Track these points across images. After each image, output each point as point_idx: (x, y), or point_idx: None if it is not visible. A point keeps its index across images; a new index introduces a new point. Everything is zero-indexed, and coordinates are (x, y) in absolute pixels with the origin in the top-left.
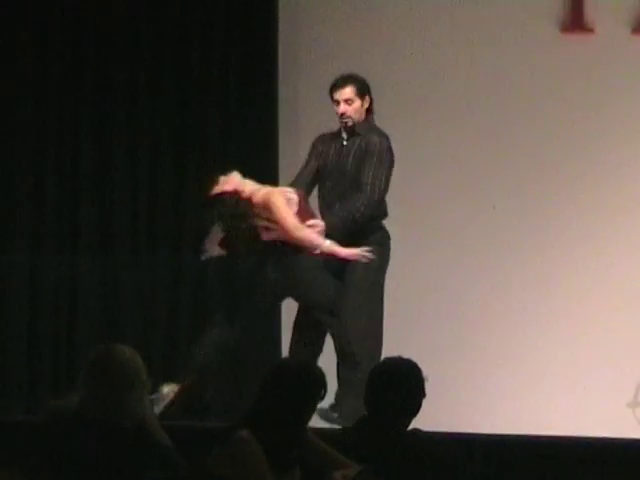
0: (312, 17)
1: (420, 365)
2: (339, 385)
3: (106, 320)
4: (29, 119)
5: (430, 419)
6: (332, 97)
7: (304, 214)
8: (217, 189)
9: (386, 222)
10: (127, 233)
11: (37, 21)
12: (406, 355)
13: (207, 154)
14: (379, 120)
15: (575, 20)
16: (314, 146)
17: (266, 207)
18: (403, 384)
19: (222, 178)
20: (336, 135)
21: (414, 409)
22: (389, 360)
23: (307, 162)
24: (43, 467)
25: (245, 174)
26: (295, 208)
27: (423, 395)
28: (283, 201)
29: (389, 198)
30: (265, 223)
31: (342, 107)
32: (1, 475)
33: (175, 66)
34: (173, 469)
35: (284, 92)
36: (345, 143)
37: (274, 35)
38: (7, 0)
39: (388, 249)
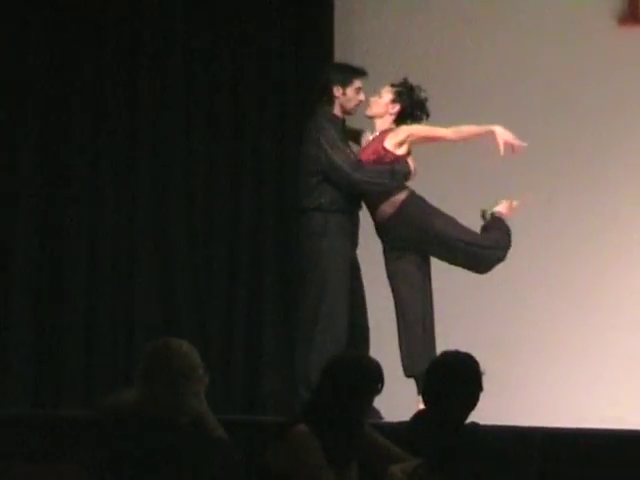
0: (367, 14)
1: (479, 358)
2: None
3: (163, 316)
4: (86, 106)
5: (488, 412)
6: (354, 84)
7: None
8: None
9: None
10: (183, 225)
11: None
12: (461, 349)
13: (262, 148)
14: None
15: (632, 13)
16: (331, 130)
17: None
18: (461, 378)
19: None
20: (337, 121)
21: (472, 403)
22: (447, 354)
23: (344, 146)
24: (102, 463)
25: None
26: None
27: (480, 389)
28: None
29: (440, 190)
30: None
31: (363, 96)
32: (63, 470)
33: (232, 62)
34: (230, 464)
35: None
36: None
37: (330, 33)
38: None
39: None
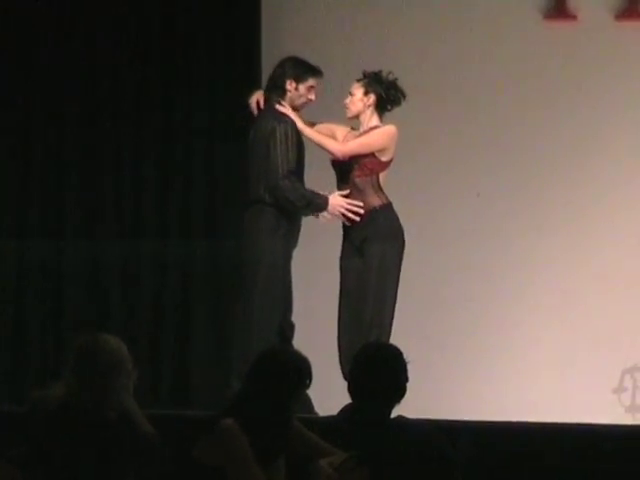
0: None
1: (406, 352)
2: None
3: (92, 310)
4: (16, 109)
5: (415, 406)
6: (308, 82)
7: None
8: None
9: None
10: (112, 219)
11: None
12: (393, 342)
13: (192, 140)
14: None
15: (558, 7)
16: (288, 124)
17: None
18: (385, 369)
19: None
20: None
21: (398, 394)
22: (369, 346)
23: (293, 145)
24: (28, 458)
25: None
26: None
27: (406, 379)
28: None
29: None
30: None
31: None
32: None
33: (160, 57)
34: (158, 459)
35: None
36: None
37: (257, 24)
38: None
39: None
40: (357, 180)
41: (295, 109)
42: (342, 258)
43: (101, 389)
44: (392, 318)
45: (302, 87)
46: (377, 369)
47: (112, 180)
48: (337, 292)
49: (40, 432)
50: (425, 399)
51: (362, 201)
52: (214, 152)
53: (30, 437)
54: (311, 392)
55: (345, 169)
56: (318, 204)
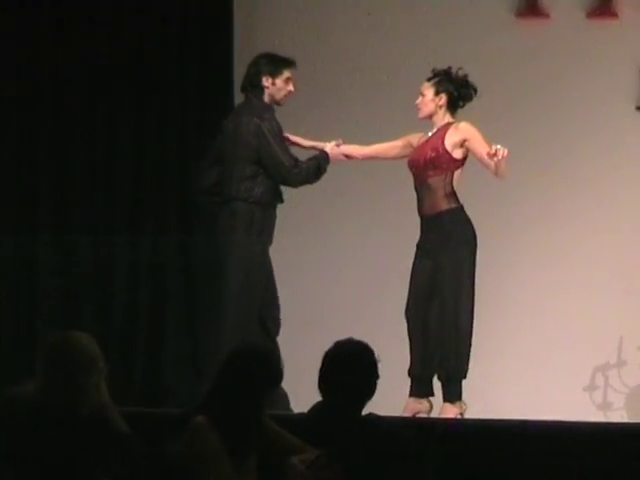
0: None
1: (379, 350)
2: None
3: (64, 308)
4: None
5: (387, 404)
6: (283, 75)
7: None
8: None
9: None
10: (84, 216)
11: None
12: (369, 340)
13: (165, 139)
14: (333, 100)
15: (530, 5)
16: (272, 121)
17: None
18: (355, 366)
19: None
20: (272, 110)
21: (368, 391)
22: (340, 344)
23: (282, 138)
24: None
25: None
26: None
27: (377, 377)
28: None
29: (366, 175)
30: None
31: (292, 87)
32: None
33: (131, 56)
34: (131, 456)
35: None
36: None
37: (229, 22)
38: None
39: None
40: (430, 180)
41: (277, 103)
42: (415, 257)
43: (72, 387)
44: (470, 322)
45: (279, 81)
46: (348, 366)
47: (85, 176)
48: (321, 289)
49: (11, 430)
50: (397, 397)
51: (431, 203)
52: (187, 150)
53: (0, 435)
54: (291, 389)
55: (421, 170)
56: (324, 166)
